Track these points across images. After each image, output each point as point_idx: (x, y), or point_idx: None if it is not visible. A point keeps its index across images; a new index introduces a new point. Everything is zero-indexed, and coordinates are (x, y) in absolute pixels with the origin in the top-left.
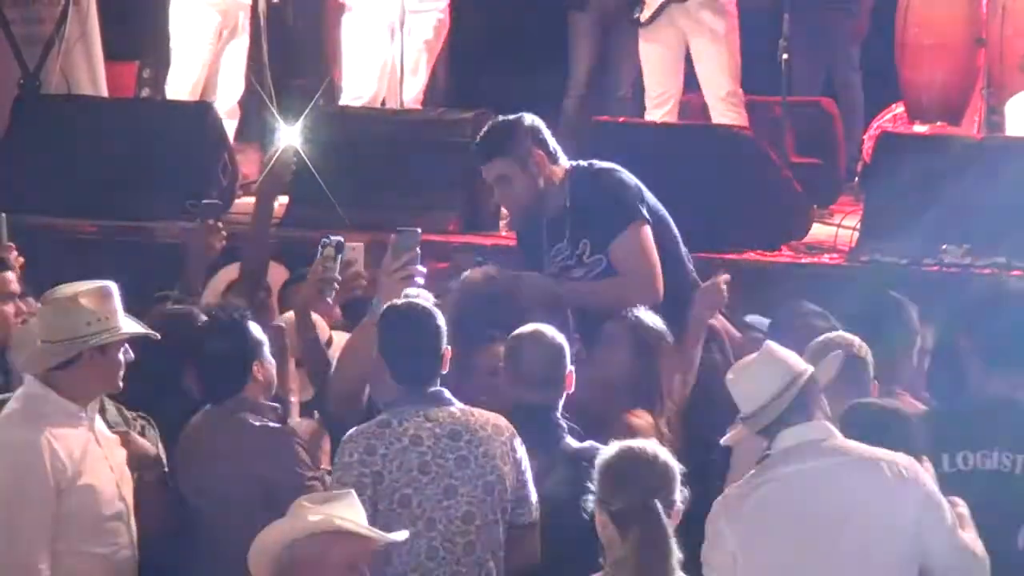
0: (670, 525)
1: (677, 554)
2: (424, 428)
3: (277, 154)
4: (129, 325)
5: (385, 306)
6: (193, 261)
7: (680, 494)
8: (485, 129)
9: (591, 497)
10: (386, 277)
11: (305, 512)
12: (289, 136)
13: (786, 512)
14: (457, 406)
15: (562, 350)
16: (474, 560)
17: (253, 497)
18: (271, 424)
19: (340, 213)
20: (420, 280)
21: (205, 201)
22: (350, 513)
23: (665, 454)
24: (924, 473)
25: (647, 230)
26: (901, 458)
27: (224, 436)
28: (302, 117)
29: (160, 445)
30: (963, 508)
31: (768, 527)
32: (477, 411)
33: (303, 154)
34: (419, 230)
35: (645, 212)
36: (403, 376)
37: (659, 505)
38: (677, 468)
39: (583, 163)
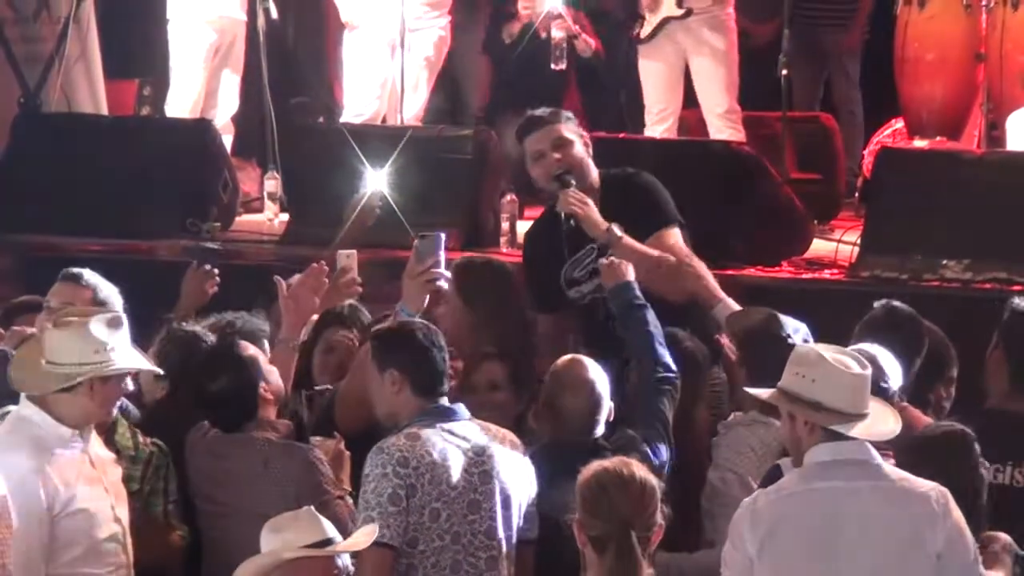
0: (643, 551)
1: None
2: (451, 442)
3: (363, 200)
4: (135, 359)
5: (373, 337)
6: (185, 301)
7: (661, 513)
8: (543, 109)
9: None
10: (410, 280)
11: (272, 542)
12: (375, 182)
13: (809, 527)
14: (475, 420)
15: (601, 399)
16: (490, 561)
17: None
18: (296, 443)
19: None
20: (444, 284)
21: (205, 245)
22: (313, 530)
23: (643, 473)
24: (955, 506)
25: (681, 234)
26: (935, 489)
27: (250, 457)
28: (389, 162)
29: (171, 472)
30: (998, 545)
31: (789, 539)
32: (492, 426)
33: (389, 198)
34: (442, 234)
35: (679, 216)
36: (430, 387)
37: (633, 534)
38: (657, 487)
39: (614, 169)
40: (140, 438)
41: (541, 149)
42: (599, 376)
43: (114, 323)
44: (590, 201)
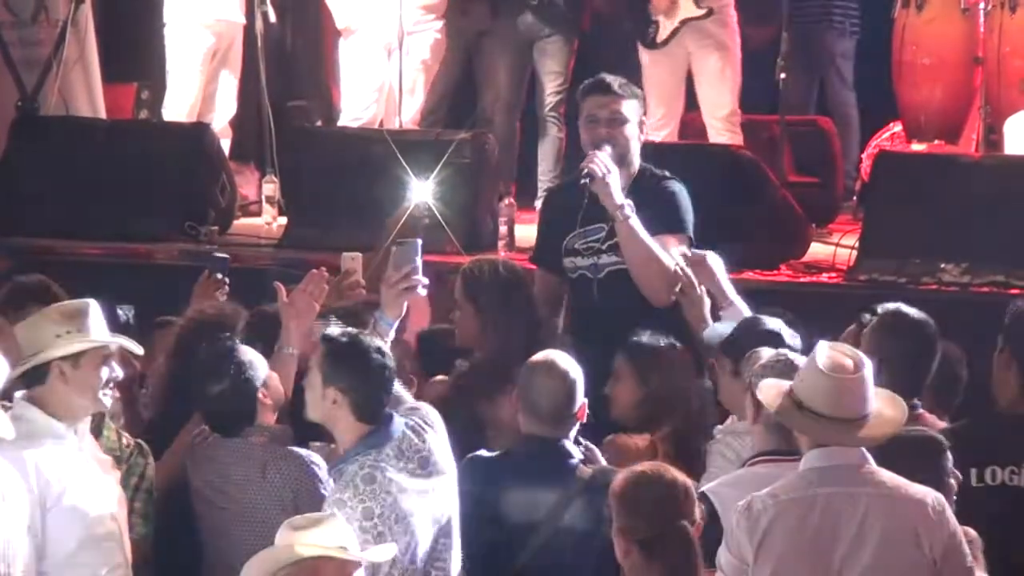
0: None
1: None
2: (400, 468)
3: (409, 210)
4: (102, 336)
5: (325, 344)
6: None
7: (699, 510)
8: (616, 78)
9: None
10: (388, 289)
11: (292, 539)
12: (422, 192)
13: (807, 532)
14: (400, 422)
15: (575, 385)
16: (451, 557)
17: (280, 520)
18: (294, 449)
19: (454, 242)
20: (422, 291)
21: (216, 254)
22: (337, 535)
23: (676, 474)
24: (951, 512)
25: (687, 247)
26: (931, 495)
27: (248, 461)
28: (435, 172)
29: (147, 470)
30: (973, 536)
31: (786, 544)
32: (414, 416)
33: (435, 210)
34: (418, 240)
35: (692, 234)
36: (372, 415)
37: (687, 526)
38: (692, 486)
39: (655, 168)
40: (124, 439)
41: (596, 115)
42: (573, 368)
43: (78, 309)
44: (615, 171)
